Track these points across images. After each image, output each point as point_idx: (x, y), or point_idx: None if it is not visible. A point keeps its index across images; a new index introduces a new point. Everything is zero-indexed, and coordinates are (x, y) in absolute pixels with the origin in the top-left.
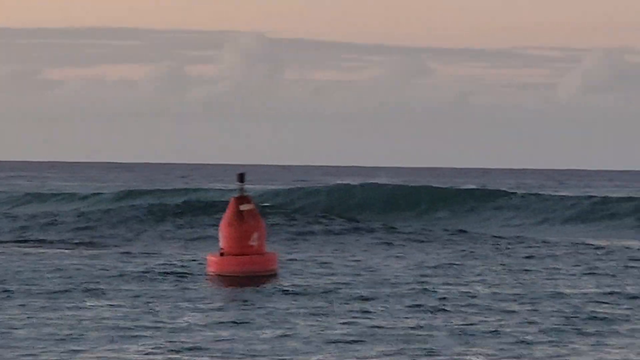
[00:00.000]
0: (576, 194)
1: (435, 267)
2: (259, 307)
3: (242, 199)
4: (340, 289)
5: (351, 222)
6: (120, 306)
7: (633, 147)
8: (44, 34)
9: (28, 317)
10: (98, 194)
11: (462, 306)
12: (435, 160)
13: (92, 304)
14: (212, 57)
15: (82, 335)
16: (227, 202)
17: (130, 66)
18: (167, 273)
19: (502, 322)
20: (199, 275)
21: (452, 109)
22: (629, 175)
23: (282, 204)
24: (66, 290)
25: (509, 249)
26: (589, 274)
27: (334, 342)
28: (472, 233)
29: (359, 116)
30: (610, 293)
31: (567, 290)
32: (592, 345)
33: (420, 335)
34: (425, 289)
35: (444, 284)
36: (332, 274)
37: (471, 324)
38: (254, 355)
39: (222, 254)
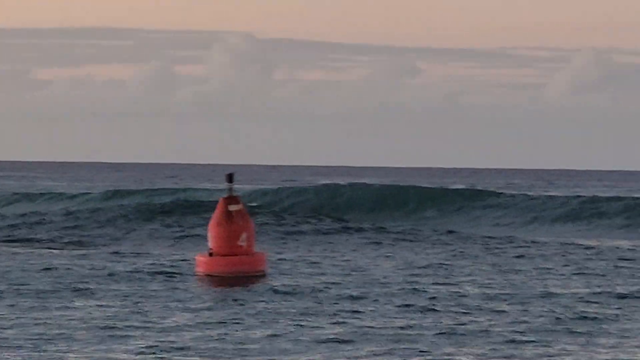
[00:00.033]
0: (565, 194)
1: (424, 267)
2: (248, 307)
3: (231, 199)
4: (329, 288)
5: (340, 222)
6: (109, 306)
7: (622, 147)
8: (33, 34)
9: (17, 317)
10: (86, 193)
11: (451, 306)
12: (424, 160)
13: (81, 304)
14: (201, 57)
15: (72, 335)
16: (216, 202)
17: (119, 66)
18: (156, 273)
19: (492, 322)
20: (188, 275)
21: (441, 109)
22: (618, 175)
23: (271, 204)
24: (55, 290)
25: (498, 248)
26: (579, 273)
27: (323, 342)
28: (462, 233)
29: (348, 116)
30: (600, 293)
31: (557, 290)
32: (581, 345)
33: (410, 335)
34: (415, 289)
35: (433, 283)
36: (322, 274)
37: (461, 324)
38: (244, 355)
39: (210, 254)
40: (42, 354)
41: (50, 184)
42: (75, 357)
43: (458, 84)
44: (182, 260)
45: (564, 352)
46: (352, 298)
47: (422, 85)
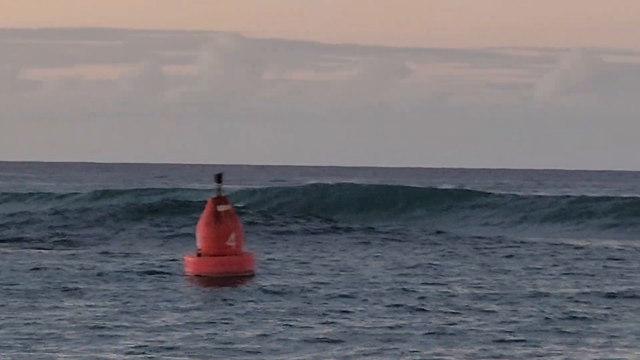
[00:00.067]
0: (554, 194)
1: (413, 267)
2: (237, 307)
3: (220, 199)
4: (318, 288)
5: (329, 222)
6: (98, 306)
7: (611, 147)
8: (23, 35)
9: (7, 317)
10: (75, 193)
11: (441, 306)
12: (413, 160)
13: (70, 304)
14: (190, 57)
15: (61, 335)
16: (204, 202)
17: (109, 66)
18: (145, 273)
19: (481, 322)
20: (177, 275)
21: (430, 109)
22: (607, 175)
23: (260, 204)
24: (45, 290)
25: (487, 248)
26: (568, 273)
27: (313, 342)
28: (451, 233)
29: (337, 116)
30: (589, 293)
31: (546, 290)
32: (570, 344)
33: (399, 335)
34: (404, 289)
35: (422, 283)
36: (310, 274)
37: (450, 324)
38: (233, 355)
39: (199, 255)
40: (31, 353)
41: (39, 184)
42: (65, 357)
43: (447, 84)
44: (171, 260)
45: (553, 352)
46: (341, 298)
47: (411, 86)
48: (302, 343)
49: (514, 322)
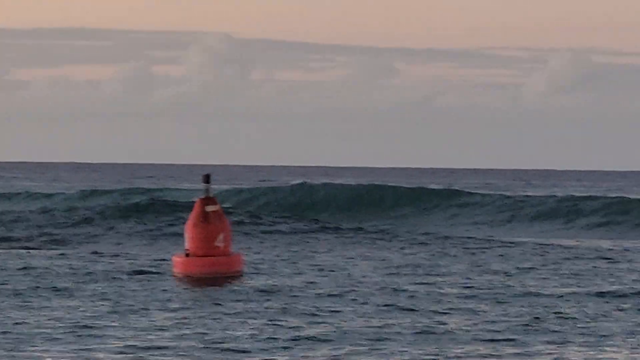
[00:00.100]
0: (543, 194)
1: (402, 266)
2: (226, 307)
3: (208, 200)
4: (307, 288)
5: (317, 222)
6: (88, 306)
7: (599, 147)
8: (11, 35)
9: None
10: (63, 193)
11: (430, 306)
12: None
13: (60, 304)
14: (179, 58)
15: (51, 335)
16: (193, 203)
17: (97, 66)
18: (134, 272)
19: (471, 322)
20: (166, 275)
21: (418, 109)
22: (596, 175)
23: (248, 204)
24: (34, 290)
25: (476, 248)
26: (557, 273)
27: (302, 342)
28: (439, 233)
29: (326, 116)
30: (578, 292)
31: (535, 290)
32: (559, 344)
33: (388, 334)
34: (393, 289)
35: (411, 283)
36: (299, 274)
37: (439, 324)
38: (222, 355)
39: (187, 255)
40: (21, 353)
41: (28, 184)
42: (55, 357)
43: (435, 85)
44: (160, 260)
45: (543, 351)
46: (330, 298)
47: (400, 86)
48: (291, 342)
49: (504, 321)
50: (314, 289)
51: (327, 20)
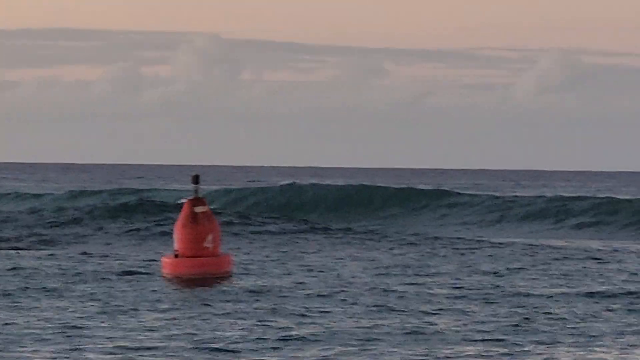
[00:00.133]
0: (532, 194)
1: (392, 266)
2: (215, 308)
3: (197, 200)
4: (296, 289)
5: (306, 222)
6: (77, 306)
7: (589, 147)
8: (0, 35)
9: None
10: (52, 193)
11: (419, 306)
12: (391, 161)
13: (48, 304)
14: (168, 58)
15: (39, 335)
16: (182, 203)
17: (86, 67)
18: (124, 273)
19: (460, 322)
20: (155, 275)
21: (408, 109)
22: (585, 176)
23: (237, 205)
24: (23, 290)
25: (465, 248)
26: (546, 273)
27: (291, 342)
28: (428, 233)
29: (315, 117)
30: (567, 293)
31: (525, 290)
32: (549, 344)
33: (378, 335)
34: (383, 289)
35: (401, 283)
36: (288, 274)
37: (429, 324)
38: (212, 355)
39: (176, 256)
40: (10, 354)
41: (17, 184)
42: (44, 358)
43: (425, 85)
44: (149, 260)
45: (532, 352)
46: (320, 298)
47: (389, 86)
48: (280, 343)
49: (493, 322)
50: (303, 290)
51: (316, 20)
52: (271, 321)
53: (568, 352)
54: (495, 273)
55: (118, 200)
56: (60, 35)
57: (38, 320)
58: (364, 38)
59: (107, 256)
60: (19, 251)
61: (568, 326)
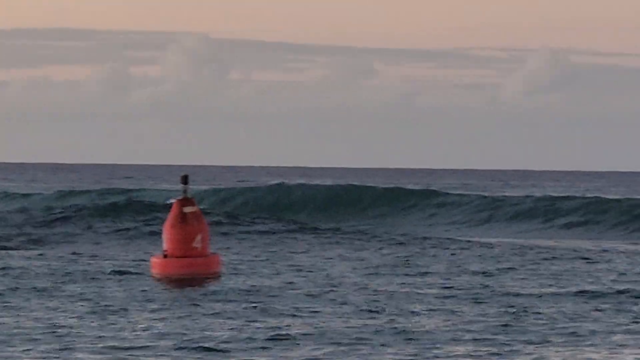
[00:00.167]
0: (521, 194)
1: (381, 266)
2: (204, 308)
3: (186, 201)
4: (285, 289)
5: (295, 222)
6: (66, 306)
7: (578, 147)
8: None
9: None
10: (41, 193)
11: (408, 306)
12: (380, 161)
13: (38, 304)
14: (157, 58)
15: (29, 335)
16: (171, 203)
17: (75, 67)
18: (113, 273)
19: (449, 322)
20: (144, 275)
21: (397, 109)
22: (574, 176)
23: (225, 204)
24: (12, 290)
25: (454, 248)
26: (535, 273)
27: (280, 342)
28: (417, 233)
29: (304, 117)
30: (556, 292)
31: (514, 290)
32: (538, 344)
33: (367, 335)
34: (372, 289)
35: (389, 284)
36: (277, 274)
37: (418, 324)
38: (202, 355)
39: (165, 256)
40: (0, 354)
41: (6, 184)
42: (34, 358)
43: (414, 85)
44: (138, 260)
45: (521, 351)
46: (309, 298)
47: (378, 86)
48: (270, 343)
49: (482, 322)
50: (292, 290)
51: (305, 20)
52: (260, 321)
53: (557, 351)
54: (484, 273)
55: (107, 200)
56: (49, 35)
57: (27, 320)
58: (353, 38)
59: (96, 256)
60: (8, 251)
61: (557, 326)
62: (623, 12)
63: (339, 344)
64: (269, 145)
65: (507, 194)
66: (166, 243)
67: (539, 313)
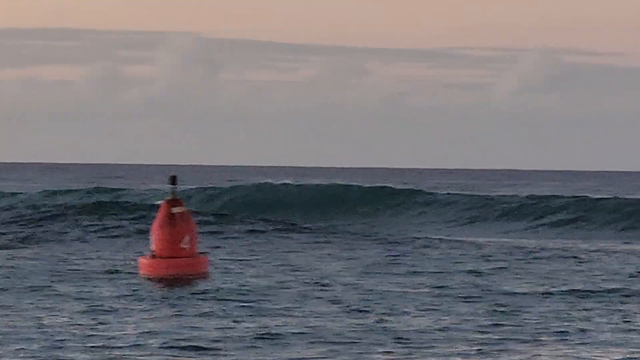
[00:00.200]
0: (511, 194)
1: (370, 266)
2: (193, 308)
3: (174, 201)
4: (275, 288)
5: (284, 222)
6: (56, 305)
7: (569, 147)
8: None
9: None
10: (29, 192)
11: (397, 305)
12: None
13: (28, 304)
14: (148, 58)
15: (18, 335)
16: (159, 204)
17: (67, 67)
18: (102, 273)
19: (439, 322)
20: (133, 274)
21: (388, 109)
22: (564, 176)
23: (214, 204)
24: (3, 290)
25: (444, 248)
26: (526, 272)
27: (269, 342)
28: (407, 233)
29: (295, 116)
30: (546, 291)
31: (503, 289)
32: (528, 343)
33: (357, 335)
34: (361, 289)
35: (379, 283)
36: (266, 274)
37: (408, 324)
38: (191, 355)
39: (153, 256)
40: None
41: None
42: (25, 357)
43: (406, 85)
44: (126, 260)
45: (513, 351)
46: (299, 297)
47: (370, 86)
48: (260, 342)
49: (472, 320)
50: (282, 289)
51: (297, 20)
52: (251, 320)
53: (549, 350)
54: (475, 272)
55: (95, 199)
56: (41, 35)
57: (18, 319)
58: (345, 37)
59: (84, 255)
60: None
61: (548, 325)
62: (615, 12)
63: (329, 343)
64: (261, 145)
65: (497, 193)
66: (154, 244)
67: (530, 312)
